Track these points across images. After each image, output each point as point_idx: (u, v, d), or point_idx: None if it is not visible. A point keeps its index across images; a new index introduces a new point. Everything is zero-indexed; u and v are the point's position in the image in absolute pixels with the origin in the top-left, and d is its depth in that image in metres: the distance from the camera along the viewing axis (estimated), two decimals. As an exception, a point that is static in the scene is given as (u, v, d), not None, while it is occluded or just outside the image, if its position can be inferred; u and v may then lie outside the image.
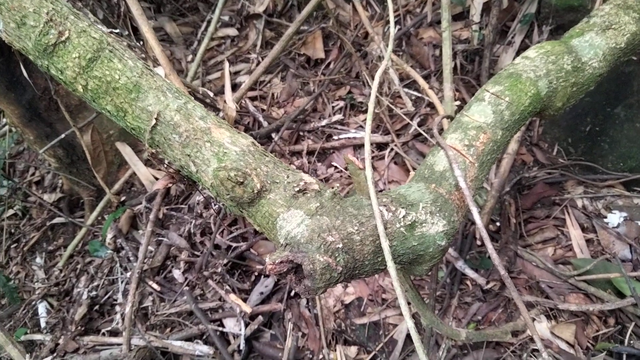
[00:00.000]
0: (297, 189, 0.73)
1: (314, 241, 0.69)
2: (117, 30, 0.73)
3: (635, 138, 1.79)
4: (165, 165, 0.72)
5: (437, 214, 0.83)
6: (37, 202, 2.64)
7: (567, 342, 1.62)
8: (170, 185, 1.33)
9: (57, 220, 2.53)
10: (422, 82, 1.37)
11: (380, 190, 1.54)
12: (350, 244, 0.72)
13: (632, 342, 1.58)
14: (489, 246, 0.83)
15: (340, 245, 0.71)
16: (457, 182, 0.90)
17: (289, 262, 0.69)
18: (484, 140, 0.98)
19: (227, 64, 1.51)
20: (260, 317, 1.86)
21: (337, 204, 0.75)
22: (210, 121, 0.71)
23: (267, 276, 1.96)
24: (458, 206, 0.90)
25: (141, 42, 1.60)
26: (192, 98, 0.72)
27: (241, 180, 0.69)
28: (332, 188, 0.75)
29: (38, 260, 2.44)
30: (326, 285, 0.70)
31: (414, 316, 1.79)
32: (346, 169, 2.06)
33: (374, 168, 2.07)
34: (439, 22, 2.37)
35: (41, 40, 0.64)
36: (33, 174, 2.88)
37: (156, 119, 0.68)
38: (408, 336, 1.79)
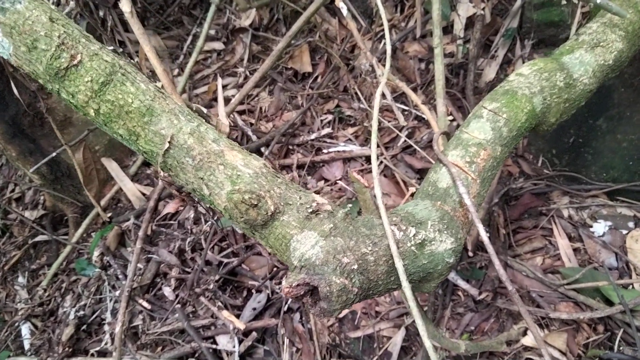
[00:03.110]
0: (309, 210, 0.73)
1: (329, 263, 0.69)
2: (112, 48, 0.72)
3: (617, 149, 1.84)
4: (177, 189, 0.71)
5: (445, 232, 0.84)
6: (18, 219, 2.57)
7: (560, 350, 1.65)
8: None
9: (39, 238, 2.47)
10: (415, 97, 1.39)
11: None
12: (365, 264, 0.72)
13: (621, 348, 1.61)
14: (496, 262, 0.84)
15: (356, 267, 0.71)
16: (460, 198, 0.92)
17: (305, 284, 0.68)
18: (484, 156, 1.00)
19: (219, 80, 1.50)
20: (254, 334, 1.84)
21: (350, 224, 0.75)
22: (222, 143, 0.71)
23: (260, 292, 1.95)
24: (463, 223, 0.91)
25: (134, 59, 1.58)
26: (204, 120, 0.72)
27: (255, 203, 0.69)
28: (344, 208, 0.76)
29: (20, 279, 2.37)
30: (342, 307, 0.70)
31: (411, 326, 1.80)
32: (336, 182, 2.07)
33: (366, 181, 2.08)
34: (423, 37, 2.41)
35: (53, 64, 0.63)
36: (12, 191, 2.81)
37: (169, 142, 0.67)
38: (402, 348, 1.80)
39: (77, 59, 0.64)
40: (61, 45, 0.63)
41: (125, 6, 1.05)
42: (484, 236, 0.85)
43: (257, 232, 0.73)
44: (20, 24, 0.62)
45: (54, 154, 1.50)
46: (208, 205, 0.76)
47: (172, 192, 0.67)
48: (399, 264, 0.72)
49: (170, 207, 1.14)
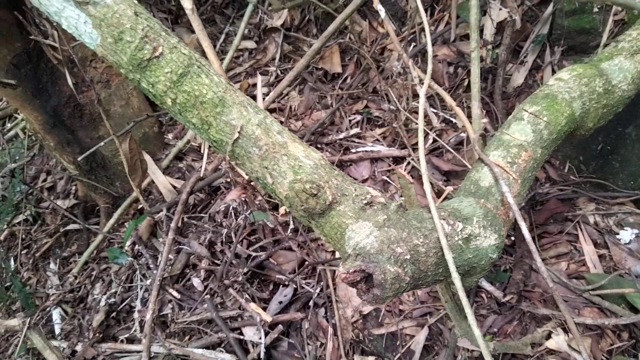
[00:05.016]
0: (364, 201, 0.77)
1: (384, 252, 0.73)
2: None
3: (646, 157, 1.84)
4: (243, 178, 0.75)
5: (489, 228, 0.87)
6: (51, 207, 2.65)
7: (583, 355, 1.66)
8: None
9: (71, 226, 2.54)
10: (450, 100, 1.42)
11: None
12: (417, 255, 0.76)
13: (645, 355, 1.62)
14: (538, 260, 0.87)
15: (408, 257, 0.74)
16: (502, 197, 0.95)
17: (361, 271, 0.72)
18: (525, 157, 1.02)
19: (259, 77, 1.55)
20: (279, 326, 1.88)
21: (402, 216, 0.78)
22: (286, 135, 0.75)
23: (286, 286, 1.99)
24: (504, 220, 0.95)
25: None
26: (269, 113, 0.76)
27: (315, 192, 0.73)
28: (397, 201, 0.79)
29: (52, 266, 2.45)
30: (394, 294, 0.74)
31: (434, 325, 1.83)
32: (365, 180, 2.11)
33: (410, 177, 2.11)
34: (453, 41, 2.44)
35: (136, 55, 0.68)
36: (45, 180, 2.89)
37: (239, 132, 0.72)
38: (425, 347, 1.83)
39: (159, 51, 0.68)
40: (144, 38, 0.67)
41: (186, 3, 1.10)
42: (527, 234, 0.88)
43: (313, 221, 0.77)
44: (109, 17, 0.66)
45: (102, 144, 1.55)
46: (267, 193, 0.80)
47: (235, 179, 0.71)
48: (448, 256, 0.76)
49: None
